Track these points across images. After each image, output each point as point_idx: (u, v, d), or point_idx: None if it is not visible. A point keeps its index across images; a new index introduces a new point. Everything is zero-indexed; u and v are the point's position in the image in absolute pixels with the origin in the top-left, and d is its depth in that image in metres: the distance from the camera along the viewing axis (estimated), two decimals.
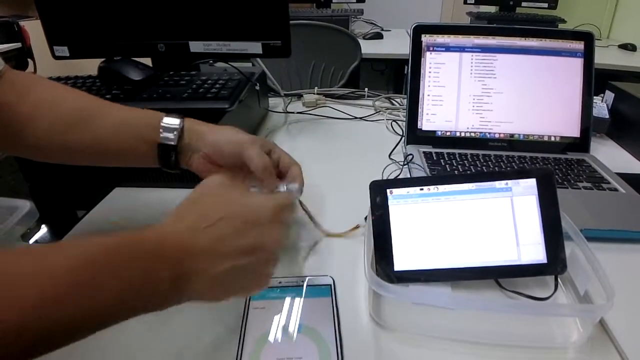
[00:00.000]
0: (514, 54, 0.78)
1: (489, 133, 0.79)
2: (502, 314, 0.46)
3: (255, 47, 0.83)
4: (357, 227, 0.60)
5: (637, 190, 0.66)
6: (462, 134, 0.80)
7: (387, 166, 0.79)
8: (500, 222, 0.48)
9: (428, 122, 0.80)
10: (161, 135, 0.49)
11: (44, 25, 0.85)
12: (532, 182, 0.49)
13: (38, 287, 0.26)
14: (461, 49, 0.79)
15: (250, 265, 0.36)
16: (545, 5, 2.40)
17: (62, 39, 0.86)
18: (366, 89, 1.18)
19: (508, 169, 0.73)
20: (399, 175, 0.74)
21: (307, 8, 2.43)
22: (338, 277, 0.50)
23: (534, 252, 0.47)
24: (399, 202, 0.49)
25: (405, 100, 0.82)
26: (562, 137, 0.79)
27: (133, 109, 0.52)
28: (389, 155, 0.82)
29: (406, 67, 0.81)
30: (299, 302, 0.46)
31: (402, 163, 0.77)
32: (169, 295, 0.32)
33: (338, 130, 0.98)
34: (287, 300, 0.47)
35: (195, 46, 0.85)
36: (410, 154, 0.76)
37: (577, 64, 0.78)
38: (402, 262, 0.48)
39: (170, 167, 0.51)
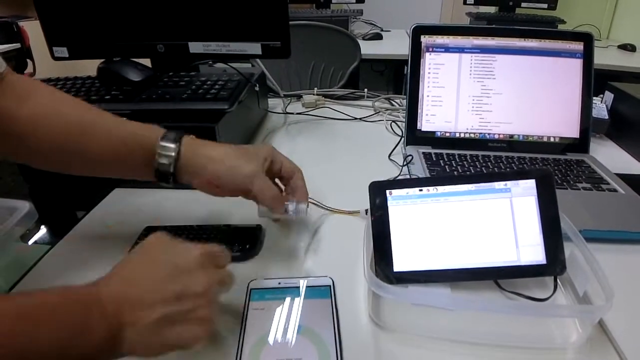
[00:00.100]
0: (513, 55, 0.78)
1: (489, 134, 0.80)
2: (501, 314, 0.46)
3: (255, 48, 0.83)
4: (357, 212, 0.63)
5: (637, 191, 0.66)
6: (462, 135, 0.80)
7: (386, 167, 0.79)
8: (499, 223, 0.48)
9: (427, 122, 0.80)
10: (158, 161, 0.49)
11: (43, 26, 0.85)
12: (532, 183, 0.49)
13: None
14: (460, 49, 0.79)
15: (183, 312, 0.35)
16: (545, 5, 2.40)
17: (62, 40, 0.86)
18: (366, 90, 1.18)
19: (507, 169, 0.73)
20: (398, 176, 0.74)
21: (307, 8, 2.43)
22: (337, 278, 0.50)
23: (533, 253, 0.47)
24: (399, 203, 0.49)
25: (405, 101, 0.82)
26: (561, 138, 0.79)
27: (129, 125, 0.51)
28: (389, 156, 0.82)
29: (405, 67, 0.81)
30: (298, 303, 0.46)
31: (401, 164, 0.77)
32: (105, 349, 0.33)
33: (337, 131, 0.98)
34: (287, 301, 0.47)
35: (195, 47, 0.85)
36: (410, 155, 0.76)
37: (577, 64, 0.78)
38: (401, 263, 0.48)
39: (169, 184, 0.51)
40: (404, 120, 0.83)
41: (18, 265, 0.61)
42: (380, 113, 1.06)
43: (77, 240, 0.60)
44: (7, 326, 0.30)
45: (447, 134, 0.80)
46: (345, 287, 0.49)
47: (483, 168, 0.73)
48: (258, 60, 1.21)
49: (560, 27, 2.28)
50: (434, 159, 0.76)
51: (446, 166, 0.73)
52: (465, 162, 0.74)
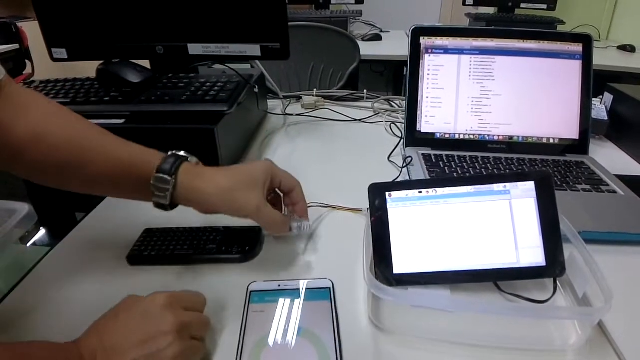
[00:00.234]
0: (513, 56, 0.78)
1: (488, 135, 0.80)
2: (501, 316, 0.46)
3: (254, 50, 0.83)
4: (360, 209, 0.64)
5: (636, 193, 0.66)
6: (461, 136, 0.80)
7: (386, 168, 0.79)
8: (499, 225, 0.48)
9: (427, 124, 0.80)
10: (154, 193, 0.48)
11: (42, 27, 0.85)
12: (531, 185, 0.49)
13: None
14: (460, 51, 0.79)
15: (154, 353, 0.37)
16: (544, 6, 2.40)
17: (61, 41, 0.86)
18: (365, 91, 1.18)
19: (507, 171, 0.73)
20: (398, 177, 0.74)
21: (306, 9, 2.43)
22: (337, 280, 0.50)
23: (533, 254, 0.47)
24: (398, 205, 0.49)
25: (404, 102, 0.82)
26: (561, 139, 0.79)
27: (125, 150, 0.50)
28: (388, 158, 0.82)
29: (405, 68, 0.81)
30: (298, 305, 0.46)
31: (401, 165, 0.77)
32: None
33: (337, 132, 0.98)
34: (286, 303, 0.47)
35: (194, 49, 0.85)
36: (409, 156, 0.76)
37: (576, 66, 0.78)
38: (401, 265, 0.48)
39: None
40: (403, 121, 0.83)
41: (17, 267, 0.61)
42: (380, 114, 1.06)
43: (77, 242, 0.60)
44: None
45: (447, 136, 0.80)
46: (345, 289, 0.49)
47: (482, 169, 0.73)
48: (257, 61, 1.21)
49: (560, 27, 2.29)
50: (434, 160, 0.76)
51: (446, 168, 0.73)
52: (464, 164, 0.74)
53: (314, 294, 0.48)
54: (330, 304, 0.46)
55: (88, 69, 0.84)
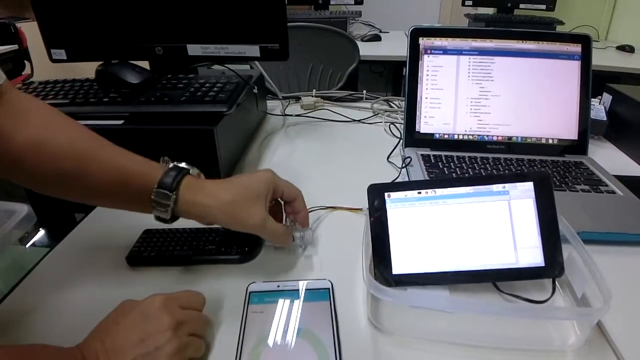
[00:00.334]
0: (512, 57, 0.78)
1: (487, 136, 0.80)
2: (500, 317, 0.47)
3: (253, 50, 0.83)
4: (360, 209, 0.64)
5: (635, 193, 0.66)
6: (460, 137, 0.80)
7: (385, 169, 0.79)
8: (497, 226, 0.48)
9: (426, 124, 0.80)
10: (154, 207, 0.48)
11: (41, 28, 0.84)
12: (529, 185, 0.49)
13: None
14: (459, 51, 0.79)
15: (151, 352, 0.38)
16: (543, 7, 2.40)
17: (60, 42, 0.85)
18: (364, 91, 1.18)
19: (506, 171, 0.73)
20: (397, 178, 0.74)
21: (305, 10, 2.43)
22: (336, 281, 0.50)
23: (532, 255, 0.47)
24: (397, 205, 0.49)
25: (403, 102, 0.82)
26: (559, 140, 0.79)
27: (126, 163, 0.49)
28: (387, 158, 0.82)
29: (404, 69, 0.81)
30: (297, 305, 0.46)
31: (400, 166, 0.77)
32: None
33: (336, 132, 0.98)
34: (286, 304, 0.47)
35: (193, 49, 0.85)
36: (409, 157, 0.77)
37: (575, 66, 0.78)
38: (400, 265, 0.48)
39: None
40: (402, 122, 0.83)
41: (17, 268, 0.61)
42: (379, 115, 1.06)
43: (76, 243, 0.60)
44: None
45: (446, 136, 0.80)
46: (344, 289, 0.49)
47: (481, 170, 0.73)
48: (256, 62, 1.21)
49: (559, 28, 2.29)
50: (433, 161, 0.76)
51: (445, 168, 0.74)
52: (463, 164, 0.75)
53: (313, 294, 0.48)
54: (329, 305, 0.46)
55: (87, 69, 0.84)
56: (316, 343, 0.42)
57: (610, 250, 0.56)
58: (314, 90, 1.17)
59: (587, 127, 0.79)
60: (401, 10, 3.36)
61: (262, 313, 0.46)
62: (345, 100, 1.17)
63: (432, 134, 0.80)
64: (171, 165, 0.50)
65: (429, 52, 0.79)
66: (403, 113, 0.82)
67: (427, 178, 0.70)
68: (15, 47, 2.19)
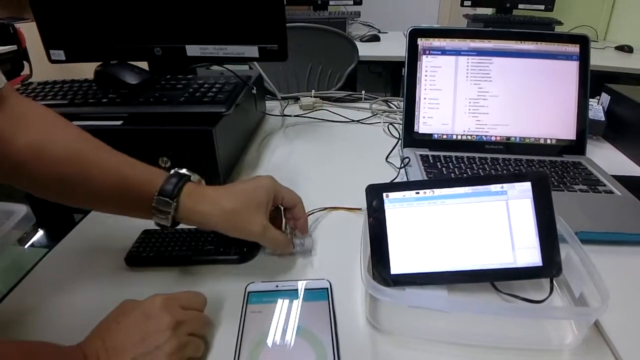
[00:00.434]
0: (510, 57, 0.78)
1: (485, 136, 0.80)
2: (498, 316, 0.47)
3: (252, 51, 0.83)
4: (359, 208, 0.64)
5: (633, 193, 0.66)
6: (459, 137, 0.80)
7: (383, 169, 0.79)
8: (495, 226, 0.48)
9: (425, 125, 0.81)
10: (155, 214, 0.48)
11: (40, 29, 0.84)
12: (527, 185, 0.49)
13: None
14: (457, 52, 0.79)
15: (151, 351, 0.38)
16: (542, 7, 2.41)
17: (59, 43, 0.86)
18: (363, 92, 1.18)
19: (504, 172, 0.73)
20: (395, 178, 0.74)
21: (304, 10, 2.43)
22: (335, 281, 0.50)
23: (530, 255, 0.48)
24: (395, 205, 0.50)
25: (402, 103, 0.82)
26: (558, 140, 0.79)
27: (126, 169, 0.49)
28: (386, 159, 0.82)
29: (403, 69, 0.81)
30: (296, 305, 0.46)
31: (398, 166, 0.78)
32: None
33: (335, 133, 0.98)
34: (284, 303, 0.47)
35: (192, 50, 0.85)
36: (407, 157, 0.77)
37: (573, 67, 0.78)
38: (398, 265, 0.48)
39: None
40: (401, 122, 0.83)
41: (16, 269, 0.61)
42: (378, 115, 1.07)
43: (75, 243, 0.60)
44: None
45: (444, 136, 0.80)
46: (342, 289, 0.50)
47: (480, 170, 0.73)
48: (255, 62, 1.21)
49: (558, 28, 2.29)
50: (431, 161, 0.76)
51: (443, 168, 0.74)
52: (462, 164, 0.75)
53: (311, 294, 0.48)
54: (328, 305, 0.46)
55: (86, 70, 0.84)
56: (315, 343, 0.42)
57: (608, 250, 0.56)
58: (313, 90, 1.18)
59: (585, 127, 0.79)
60: (400, 11, 3.36)
61: (260, 313, 0.46)
62: (344, 101, 1.17)
63: (431, 134, 0.81)
64: (172, 171, 0.50)
65: (427, 52, 0.79)
66: (402, 113, 0.82)
67: (426, 178, 0.70)
68: (14, 47, 2.19)
